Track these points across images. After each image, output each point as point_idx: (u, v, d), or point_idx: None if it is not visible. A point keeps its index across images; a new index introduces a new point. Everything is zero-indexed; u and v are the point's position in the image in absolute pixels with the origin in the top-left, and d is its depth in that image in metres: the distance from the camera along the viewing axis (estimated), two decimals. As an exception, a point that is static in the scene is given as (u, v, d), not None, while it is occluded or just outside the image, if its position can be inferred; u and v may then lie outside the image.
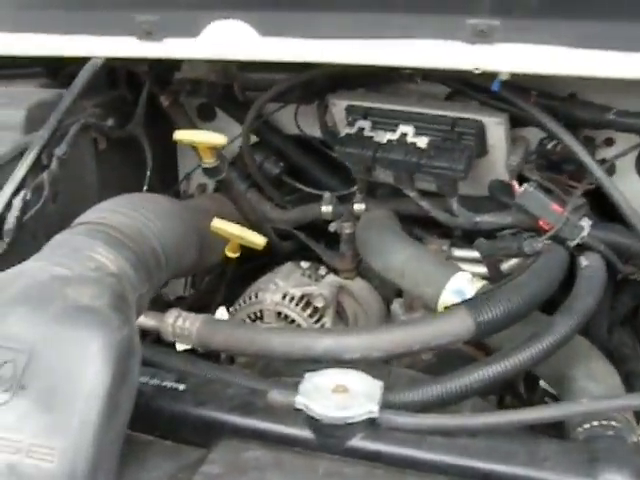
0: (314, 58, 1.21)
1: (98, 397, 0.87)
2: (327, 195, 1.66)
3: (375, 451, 0.98)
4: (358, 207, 1.63)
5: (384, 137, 1.46)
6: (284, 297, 1.55)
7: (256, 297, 1.56)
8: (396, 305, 1.57)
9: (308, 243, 1.67)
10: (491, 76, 1.22)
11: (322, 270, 1.69)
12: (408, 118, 1.46)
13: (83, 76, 1.35)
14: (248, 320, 1.55)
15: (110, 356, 0.89)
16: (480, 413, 1.07)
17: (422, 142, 1.43)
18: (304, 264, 1.70)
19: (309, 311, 1.55)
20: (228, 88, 1.67)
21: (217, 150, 1.38)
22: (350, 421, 0.97)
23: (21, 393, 0.87)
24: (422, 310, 1.51)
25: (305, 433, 1.00)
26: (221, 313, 1.50)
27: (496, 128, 1.41)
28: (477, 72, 1.12)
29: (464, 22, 1.09)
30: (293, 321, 1.54)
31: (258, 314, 1.55)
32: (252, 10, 1.22)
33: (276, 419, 1.03)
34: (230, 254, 1.42)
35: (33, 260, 1.04)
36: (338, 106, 1.54)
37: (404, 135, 1.45)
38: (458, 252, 1.54)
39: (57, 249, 1.06)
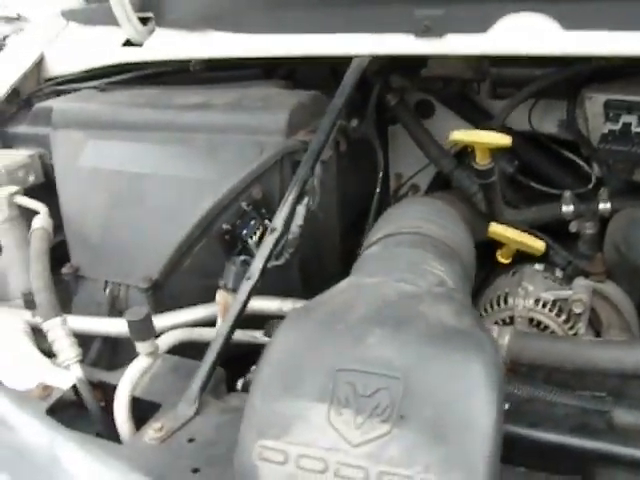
0: (621, 51, 1.12)
1: (490, 427, 0.81)
2: (568, 194, 1.57)
3: None
4: (603, 206, 1.54)
5: (655, 133, 1.37)
6: (537, 302, 1.47)
7: (505, 303, 1.49)
8: (657, 310, 1.48)
9: (552, 245, 1.58)
10: None
11: (558, 272, 1.61)
12: (681, 112, 1.36)
13: (351, 76, 1.30)
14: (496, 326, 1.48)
15: (494, 382, 0.83)
16: None
17: (699, 137, 1.33)
18: (538, 266, 1.61)
19: (564, 317, 1.47)
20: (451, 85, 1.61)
21: (492, 151, 1.31)
22: None
23: (402, 423, 0.82)
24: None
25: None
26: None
27: None
28: None
29: None
30: (546, 327, 1.47)
31: (508, 320, 1.48)
32: (552, 2, 1.14)
33: (630, 442, 0.95)
34: (502, 259, 1.35)
35: (363, 276, 0.99)
36: (595, 100, 1.45)
37: (678, 130, 1.35)
38: None
39: (388, 262, 1.00)
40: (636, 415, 0.94)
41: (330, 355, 0.87)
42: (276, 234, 1.18)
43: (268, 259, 1.16)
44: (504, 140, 1.21)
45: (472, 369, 0.83)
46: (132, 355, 1.25)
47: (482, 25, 1.18)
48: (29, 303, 1.35)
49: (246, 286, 1.15)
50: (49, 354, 1.30)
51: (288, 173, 1.36)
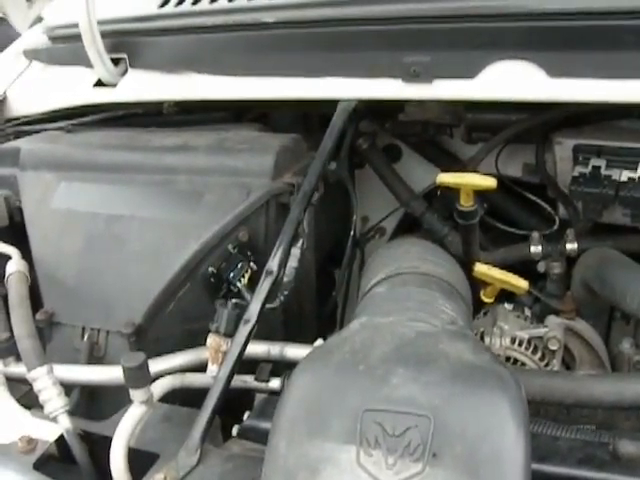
0: (606, 98, 1.18)
1: (520, 462, 0.82)
2: (536, 235, 1.63)
3: None
4: (571, 247, 1.59)
5: (623, 175, 1.43)
6: (513, 341, 1.51)
7: (482, 341, 1.52)
8: (626, 345, 1.53)
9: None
10: None
11: (527, 311, 1.65)
12: (648, 155, 1.43)
13: (339, 119, 1.31)
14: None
15: (520, 416, 0.84)
16: None
17: (666, 179, 1.41)
18: (508, 306, 1.65)
19: (539, 354, 1.51)
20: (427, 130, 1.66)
21: (476, 193, 1.34)
22: None
23: (435, 462, 0.81)
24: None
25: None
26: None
27: None
28: None
29: None
30: (523, 365, 1.50)
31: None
32: (538, 51, 1.19)
33: (636, 471, 0.98)
34: (486, 299, 1.38)
35: (375, 316, 0.99)
36: (564, 145, 1.51)
37: (646, 173, 1.42)
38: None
39: (399, 302, 1.01)
40: (638, 445, 0.97)
41: (354, 396, 0.86)
42: (272, 277, 1.17)
43: (265, 302, 1.15)
44: (489, 182, 1.25)
45: (499, 404, 0.84)
46: (112, 405, 1.21)
47: (470, 71, 1.21)
48: (3, 351, 1.28)
49: (244, 330, 1.13)
50: (27, 405, 1.24)
51: (274, 215, 1.35)
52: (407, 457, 0.82)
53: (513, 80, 1.20)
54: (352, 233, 1.63)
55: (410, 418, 0.84)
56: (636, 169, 1.43)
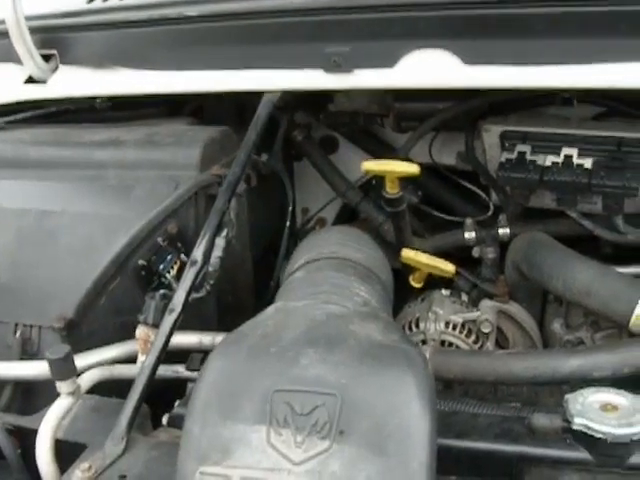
0: (520, 84, 1.21)
1: (425, 436, 0.84)
2: (469, 221, 1.66)
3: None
4: (503, 232, 1.63)
5: (547, 160, 1.47)
6: (447, 325, 1.54)
7: (417, 327, 1.55)
8: (557, 325, 1.57)
9: (457, 270, 1.65)
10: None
11: (464, 296, 1.68)
12: (570, 140, 1.47)
13: (263, 111, 1.33)
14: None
15: (426, 393, 0.87)
16: None
17: (587, 163, 1.44)
18: (445, 292, 1.68)
19: (473, 337, 1.54)
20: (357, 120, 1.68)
21: (402, 181, 1.36)
22: (635, 437, 0.96)
23: (342, 439, 0.83)
24: (584, 329, 1.53)
25: (583, 454, 0.98)
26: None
27: (662, 145, 1.43)
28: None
29: None
30: (457, 348, 1.53)
31: (420, 344, 1.53)
32: (455, 39, 1.22)
33: (548, 443, 1.01)
34: (415, 284, 1.40)
35: (291, 300, 1.01)
36: (492, 132, 1.54)
37: (569, 157, 1.46)
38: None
39: (313, 286, 1.03)
40: (552, 418, 1.00)
41: (265, 378, 0.88)
42: (197, 266, 1.18)
43: (190, 291, 1.16)
44: (413, 169, 1.27)
45: (405, 381, 0.86)
46: (47, 400, 1.21)
47: (389, 60, 1.24)
48: None
49: (169, 319, 1.14)
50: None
51: (203, 207, 1.37)
52: (315, 435, 0.84)
53: (430, 68, 1.23)
54: (288, 224, 1.65)
55: (318, 397, 0.85)
56: (559, 154, 1.47)
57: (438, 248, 1.70)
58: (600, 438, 0.96)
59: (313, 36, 1.29)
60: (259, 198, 1.61)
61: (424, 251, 1.66)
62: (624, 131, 1.45)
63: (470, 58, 1.21)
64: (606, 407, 1.00)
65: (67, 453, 1.08)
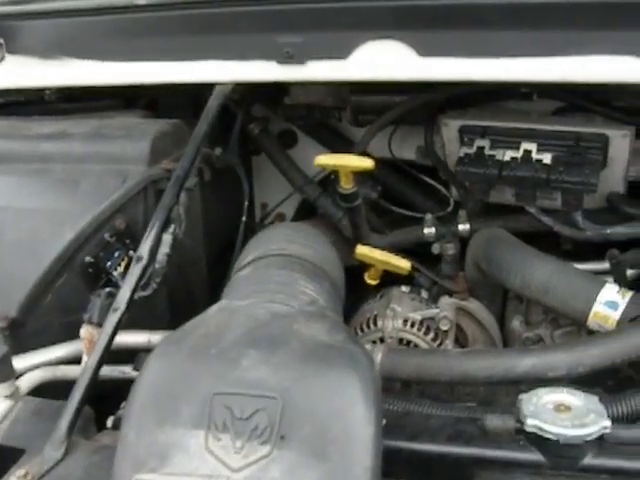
0: (476, 77, 1.18)
1: (369, 440, 0.81)
2: (429, 217, 1.63)
3: (614, 468, 0.95)
4: (463, 227, 1.61)
5: (506, 155, 1.45)
6: (405, 322, 1.51)
7: (375, 325, 1.52)
8: (516, 322, 1.55)
9: (416, 267, 1.62)
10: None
11: (424, 293, 1.66)
12: (529, 135, 1.45)
13: (214, 103, 1.29)
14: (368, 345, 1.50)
15: (371, 395, 0.83)
16: None
17: (547, 158, 1.43)
18: (404, 288, 1.66)
19: (432, 335, 1.51)
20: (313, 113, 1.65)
21: (356, 175, 1.33)
22: (588, 438, 0.94)
23: (283, 444, 0.80)
24: (543, 326, 1.51)
25: (536, 456, 0.96)
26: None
27: (621, 141, 1.42)
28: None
29: None
30: (416, 346, 1.51)
31: (378, 341, 1.51)
32: (409, 30, 1.19)
33: (501, 445, 0.98)
34: (370, 281, 1.37)
35: (235, 299, 0.98)
36: (450, 126, 1.52)
37: (528, 152, 1.44)
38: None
39: (258, 285, 1.00)
40: (505, 419, 0.98)
41: (205, 380, 0.84)
42: (142, 263, 1.14)
43: (135, 289, 1.12)
44: (366, 163, 1.25)
45: (348, 384, 0.83)
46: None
47: (342, 52, 1.21)
48: None
49: (113, 318, 1.10)
50: None
51: (152, 202, 1.33)
52: (255, 440, 0.80)
53: (385, 60, 1.20)
54: (244, 219, 1.61)
55: (259, 400, 0.82)
56: (519, 149, 1.45)
57: (398, 244, 1.67)
58: (552, 439, 0.94)
59: (265, 26, 1.25)
60: (214, 193, 1.57)
61: (382, 248, 1.65)
62: (583, 126, 1.44)
63: (425, 50, 1.18)
64: (559, 407, 0.98)
65: (4, 459, 1.04)
